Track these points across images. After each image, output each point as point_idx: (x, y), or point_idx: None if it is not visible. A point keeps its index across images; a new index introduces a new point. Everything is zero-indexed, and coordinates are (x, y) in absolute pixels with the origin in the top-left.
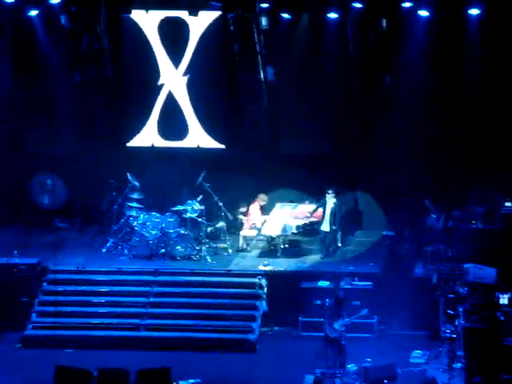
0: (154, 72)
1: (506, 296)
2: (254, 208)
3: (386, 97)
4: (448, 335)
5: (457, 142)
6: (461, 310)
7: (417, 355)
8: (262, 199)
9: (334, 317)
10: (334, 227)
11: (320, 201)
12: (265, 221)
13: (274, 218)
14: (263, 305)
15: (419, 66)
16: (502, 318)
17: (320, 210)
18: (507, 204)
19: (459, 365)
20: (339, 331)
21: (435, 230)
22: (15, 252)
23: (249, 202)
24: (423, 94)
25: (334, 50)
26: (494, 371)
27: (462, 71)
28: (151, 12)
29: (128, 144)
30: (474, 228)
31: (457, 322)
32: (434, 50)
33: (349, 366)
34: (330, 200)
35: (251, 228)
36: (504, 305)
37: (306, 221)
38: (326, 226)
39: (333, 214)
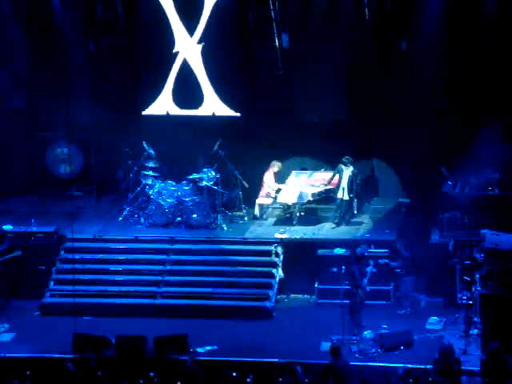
0: (169, 40)
1: None
2: (268, 176)
3: (402, 62)
4: (464, 302)
5: (474, 109)
6: (477, 276)
7: (433, 322)
8: (277, 166)
9: (361, 275)
10: (350, 195)
11: (336, 168)
12: (279, 189)
13: (289, 186)
14: (279, 272)
15: (435, 31)
16: None
17: (336, 177)
18: None
19: (475, 331)
20: (366, 291)
21: (452, 197)
22: (32, 220)
23: (263, 170)
24: (440, 59)
25: (349, 15)
26: (511, 337)
27: (480, 36)
28: None
29: (143, 112)
30: (491, 194)
31: (473, 289)
32: (450, 15)
33: (365, 332)
34: (348, 168)
35: (266, 196)
36: None
37: (322, 188)
38: (342, 194)
39: (350, 182)
